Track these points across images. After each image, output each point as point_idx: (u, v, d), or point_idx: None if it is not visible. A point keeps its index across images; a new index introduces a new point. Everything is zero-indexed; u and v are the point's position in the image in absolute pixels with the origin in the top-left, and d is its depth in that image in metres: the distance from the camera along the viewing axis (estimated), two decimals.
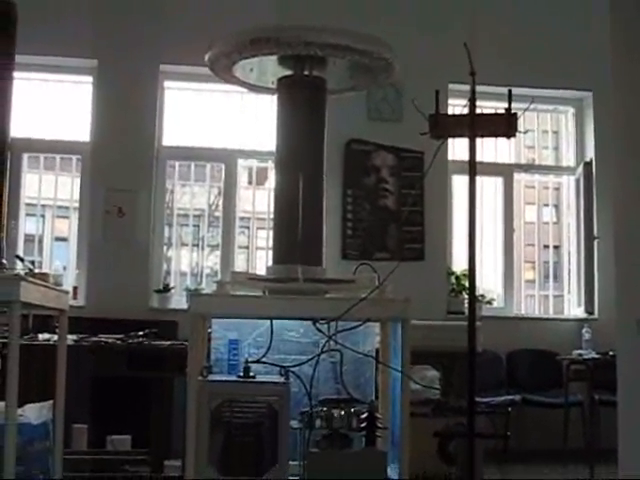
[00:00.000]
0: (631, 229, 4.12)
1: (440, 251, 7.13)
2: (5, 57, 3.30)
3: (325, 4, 6.75)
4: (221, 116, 7.27)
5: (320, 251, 3.44)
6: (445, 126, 3.31)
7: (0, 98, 3.27)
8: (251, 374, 3.06)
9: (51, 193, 7.11)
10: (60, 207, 7.15)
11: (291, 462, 3.02)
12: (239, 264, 7.25)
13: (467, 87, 3.27)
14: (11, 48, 3.33)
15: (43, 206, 7.13)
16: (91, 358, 5.39)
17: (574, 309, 7.54)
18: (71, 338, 4.97)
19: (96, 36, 6.78)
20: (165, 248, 7.17)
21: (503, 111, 3.28)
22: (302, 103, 3.48)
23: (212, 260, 7.40)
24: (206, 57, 3.52)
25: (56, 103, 7.11)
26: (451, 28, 6.65)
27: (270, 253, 3.66)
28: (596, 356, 6.35)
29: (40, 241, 7.09)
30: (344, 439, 3.06)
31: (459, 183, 7.23)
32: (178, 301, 6.79)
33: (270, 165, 7.04)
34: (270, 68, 3.53)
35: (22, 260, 4.38)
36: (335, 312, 3.00)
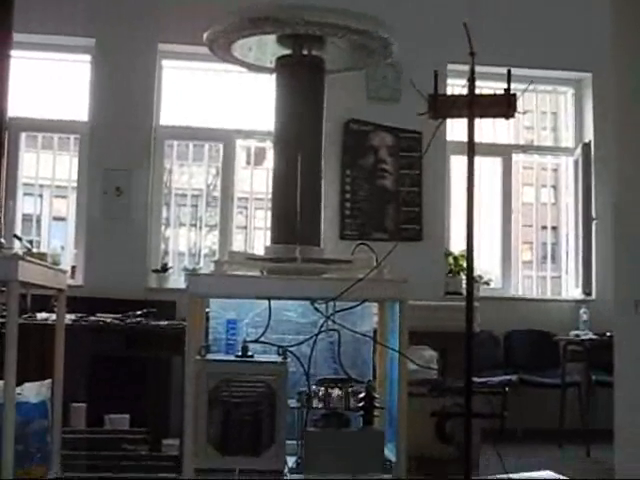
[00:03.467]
0: (629, 210, 4.12)
1: (438, 232, 7.13)
2: (3, 35, 3.28)
3: None
4: (219, 96, 7.24)
5: (318, 231, 3.44)
6: (444, 106, 3.30)
7: None
8: (249, 354, 3.07)
9: (49, 173, 7.09)
10: (58, 187, 7.14)
11: (289, 441, 3.03)
12: (237, 244, 7.25)
13: (466, 67, 3.26)
14: (9, 26, 3.31)
15: (41, 186, 7.11)
16: (89, 337, 5.38)
17: (572, 290, 7.55)
18: (69, 317, 4.97)
19: (94, 15, 6.73)
20: (163, 228, 7.17)
21: (502, 92, 3.28)
22: (301, 83, 3.47)
23: (210, 240, 7.39)
24: (205, 36, 3.51)
25: (54, 82, 7.08)
26: (450, 8, 6.64)
27: (268, 233, 3.66)
28: (593, 337, 6.36)
29: (38, 221, 7.08)
30: (342, 419, 3.07)
31: (457, 163, 7.22)
32: (176, 281, 6.79)
33: (268, 145, 7.02)
34: (269, 47, 3.52)
35: (20, 239, 4.40)
36: (333, 292, 3.01)
